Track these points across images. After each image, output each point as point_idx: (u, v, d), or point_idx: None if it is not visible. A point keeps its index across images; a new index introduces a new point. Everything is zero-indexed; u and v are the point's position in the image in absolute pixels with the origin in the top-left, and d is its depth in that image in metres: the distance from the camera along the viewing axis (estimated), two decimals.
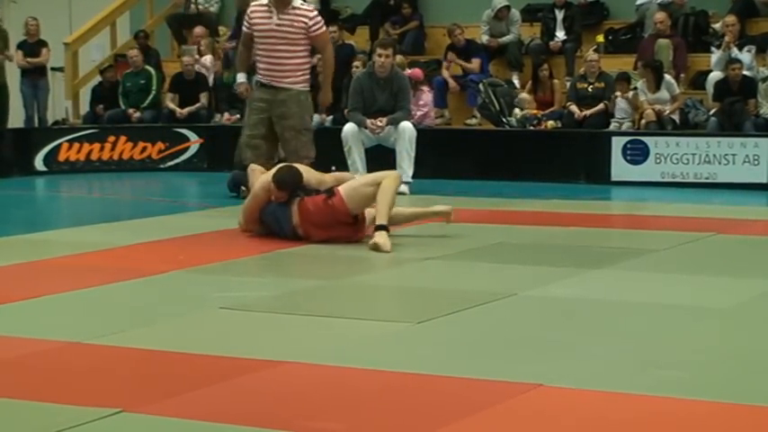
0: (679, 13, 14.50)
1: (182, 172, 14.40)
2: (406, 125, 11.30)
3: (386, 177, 7.93)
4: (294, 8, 9.06)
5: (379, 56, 11.07)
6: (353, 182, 8.03)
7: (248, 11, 9.26)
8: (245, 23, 9.26)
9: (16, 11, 16.26)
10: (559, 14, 14.84)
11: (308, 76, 9.35)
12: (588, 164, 12.85)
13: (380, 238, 7.51)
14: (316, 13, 9.31)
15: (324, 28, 9.34)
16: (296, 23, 9.04)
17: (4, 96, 14.95)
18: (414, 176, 11.28)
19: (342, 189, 7.78)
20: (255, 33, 9.14)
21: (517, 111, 13.62)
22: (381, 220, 7.63)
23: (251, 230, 8.18)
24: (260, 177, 8.18)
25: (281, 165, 8.04)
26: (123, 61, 15.94)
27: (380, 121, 11.21)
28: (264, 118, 9.18)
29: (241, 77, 9.39)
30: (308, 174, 8.07)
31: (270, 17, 9.00)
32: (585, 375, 4.41)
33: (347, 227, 7.83)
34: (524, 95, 13.86)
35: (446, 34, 14.94)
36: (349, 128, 11.36)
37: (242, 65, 9.56)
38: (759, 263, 7.24)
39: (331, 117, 14.08)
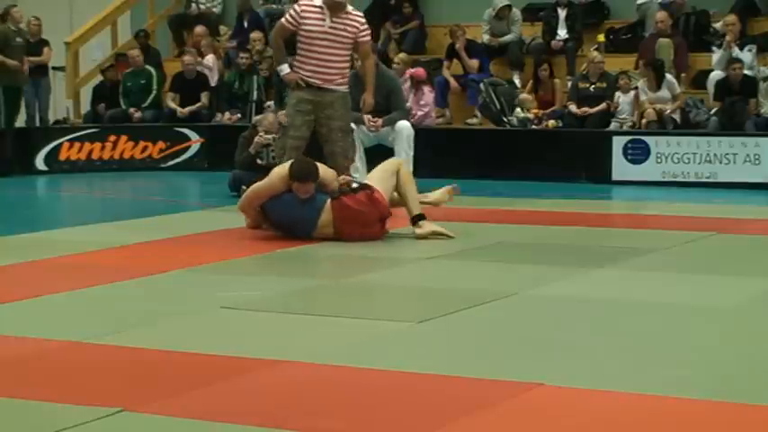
0: (680, 12, 14.50)
1: (182, 171, 14.40)
2: (404, 125, 11.27)
3: (399, 165, 8.22)
4: (347, 13, 9.02)
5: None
6: (377, 176, 8.13)
7: (297, 9, 8.99)
8: (291, 20, 8.98)
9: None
10: (562, 13, 14.83)
11: (347, 79, 9.31)
12: (589, 163, 12.84)
13: (430, 226, 7.96)
14: (365, 19, 9.30)
15: (370, 36, 9.35)
16: (349, 28, 8.99)
17: (17, 99, 14.95)
18: (415, 176, 11.20)
19: (375, 184, 7.93)
20: (304, 34, 8.94)
21: (519, 111, 13.61)
22: (418, 211, 8.03)
23: (246, 215, 8.07)
24: (275, 169, 8.01)
25: (295, 159, 7.91)
26: (124, 61, 15.93)
27: (375, 121, 11.19)
28: (310, 120, 9.05)
29: (285, 67, 9.21)
30: (323, 170, 8.03)
31: (323, 19, 8.90)
32: (586, 374, 4.41)
33: (380, 223, 7.93)
34: (525, 96, 13.85)
35: (447, 34, 14.95)
36: None
37: (283, 56, 9.39)
38: (759, 262, 7.24)
39: None
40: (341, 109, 9.11)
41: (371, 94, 9.50)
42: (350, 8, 9.13)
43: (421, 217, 8.03)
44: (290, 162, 7.93)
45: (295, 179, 7.73)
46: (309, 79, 9.00)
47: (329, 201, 7.82)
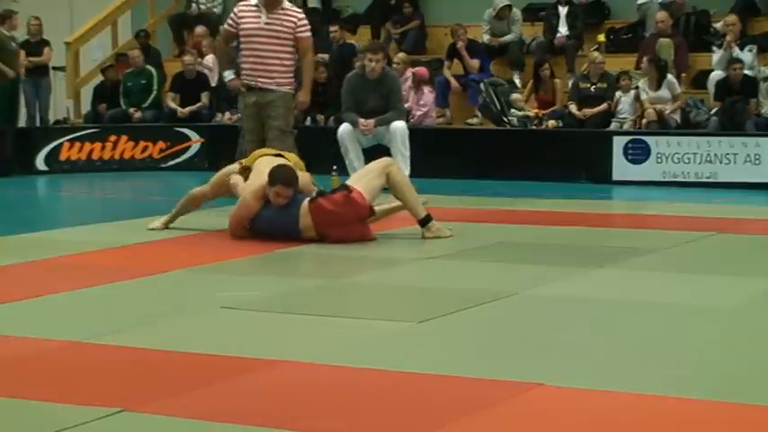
0: (680, 12, 14.50)
1: (183, 171, 14.39)
2: (398, 125, 11.24)
3: (389, 166, 8.06)
4: (284, 9, 9.11)
5: (370, 60, 11.04)
6: (362, 176, 8.05)
7: (236, 10, 9.26)
8: (231, 22, 9.23)
9: (18, 10, 16.25)
10: (563, 10, 14.83)
11: (293, 78, 9.37)
12: (589, 163, 12.84)
13: (436, 228, 7.93)
14: (304, 15, 9.36)
15: (310, 32, 9.37)
16: (285, 23, 9.09)
17: (14, 95, 14.97)
18: (414, 176, 11.20)
19: (356, 184, 7.84)
20: (243, 33, 9.15)
21: (515, 110, 13.61)
22: (423, 213, 7.98)
23: (240, 237, 7.97)
24: (247, 186, 7.96)
25: (274, 166, 7.83)
26: (124, 61, 15.95)
27: (367, 125, 11.19)
28: (259, 121, 9.21)
29: (230, 74, 9.41)
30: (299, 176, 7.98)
31: (259, 16, 9.02)
32: (586, 374, 4.41)
33: (362, 224, 7.84)
34: (516, 95, 13.84)
35: (448, 34, 14.96)
36: (344, 128, 11.34)
37: (227, 62, 9.64)
38: (760, 262, 7.24)
39: (332, 117, 14.09)
40: (281, 108, 9.20)
41: (307, 93, 9.57)
42: (287, 4, 9.20)
43: (428, 219, 7.98)
44: (266, 173, 7.77)
45: (278, 183, 7.65)
46: (251, 81, 9.09)
47: (306, 204, 7.74)
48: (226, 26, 9.39)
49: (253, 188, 7.87)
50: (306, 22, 9.28)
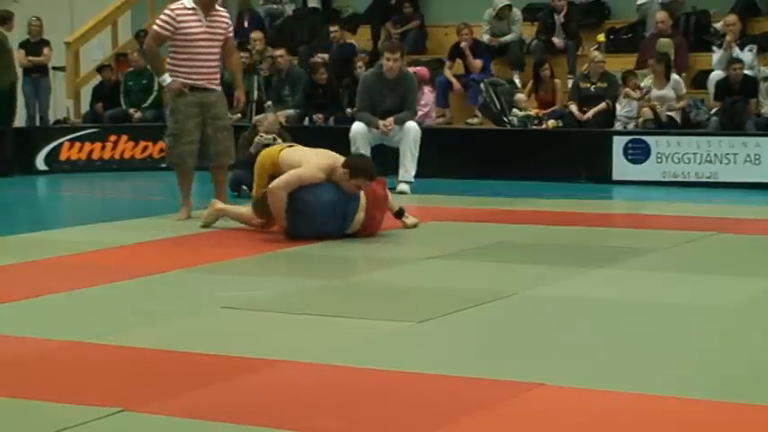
0: (680, 12, 14.50)
1: None
2: (412, 125, 11.29)
3: None
4: (216, 10, 9.12)
5: (388, 60, 11.08)
6: None
7: (171, 14, 9.00)
8: (166, 25, 8.99)
9: (18, 10, 16.25)
10: (558, 17, 14.82)
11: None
12: (589, 163, 12.83)
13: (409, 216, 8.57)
14: (229, 15, 9.46)
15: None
16: (222, 25, 9.13)
17: (12, 94, 14.99)
18: (415, 176, 11.29)
19: None
20: (184, 37, 8.96)
21: (516, 111, 13.61)
22: (397, 206, 8.55)
23: (274, 200, 7.82)
24: (314, 161, 7.95)
25: (357, 158, 8.20)
26: (124, 60, 15.94)
27: (389, 124, 11.20)
28: (199, 122, 9.13)
29: (167, 77, 9.20)
30: None
31: (199, 20, 8.99)
32: (587, 374, 4.41)
33: None
34: (520, 95, 13.84)
35: (448, 34, 14.96)
36: (358, 127, 11.34)
37: (162, 65, 9.44)
38: (760, 262, 7.24)
39: (332, 118, 14.09)
40: (223, 108, 9.27)
41: (243, 92, 9.66)
42: (216, 6, 9.21)
43: (403, 210, 8.51)
44: (340, 158, 7.97)
45: (370, 178, 7.87)
46: (194, 82, 9.04)
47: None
48: (159, 30, 9.06)
49: (323, 163, 7.96)
50: (231, 21, 9.39)
